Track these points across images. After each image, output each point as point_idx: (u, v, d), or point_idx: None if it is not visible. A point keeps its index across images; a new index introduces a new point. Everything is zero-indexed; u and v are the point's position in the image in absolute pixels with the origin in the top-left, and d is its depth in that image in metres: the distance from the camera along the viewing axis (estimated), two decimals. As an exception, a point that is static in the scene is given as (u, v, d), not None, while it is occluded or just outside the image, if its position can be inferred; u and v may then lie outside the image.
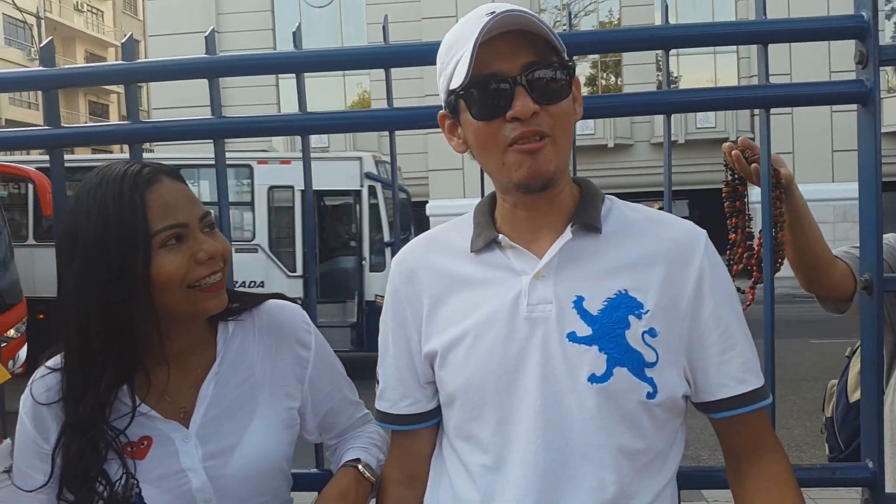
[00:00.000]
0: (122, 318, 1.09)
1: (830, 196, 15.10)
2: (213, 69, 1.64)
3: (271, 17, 21.24)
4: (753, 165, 1.57)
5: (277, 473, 1.24)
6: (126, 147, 1.68)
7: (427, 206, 19.00)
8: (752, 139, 1.64)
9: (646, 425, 1.06)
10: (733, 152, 1.61)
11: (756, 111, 1.58)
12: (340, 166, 9.38)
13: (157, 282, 1.09)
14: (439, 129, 1.19)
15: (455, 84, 1.05)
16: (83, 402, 1.11)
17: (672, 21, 1.56)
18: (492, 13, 1.00)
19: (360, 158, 9.46)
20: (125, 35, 1.71)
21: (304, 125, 1.66)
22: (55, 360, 1.19)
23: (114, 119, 38.67)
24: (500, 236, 1.11)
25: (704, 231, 1.13)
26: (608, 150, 19.31)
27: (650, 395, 1.04)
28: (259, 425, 1.20)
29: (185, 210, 1.13)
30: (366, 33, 20.28)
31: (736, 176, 1.63)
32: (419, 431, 1.21)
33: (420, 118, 1.61)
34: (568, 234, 1.08)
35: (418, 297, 1.17)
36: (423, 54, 1.53)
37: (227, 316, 1.25)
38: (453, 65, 1.05)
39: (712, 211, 1.63)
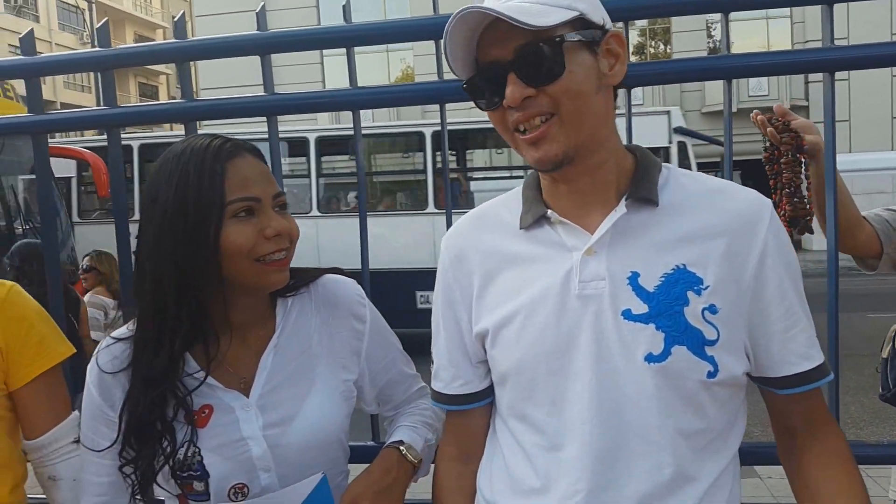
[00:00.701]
0: (192, 281, 1.13)
1: (889, 164, 14.53)
2: (265, 45, 1.66)
3: (315, -6, 21.29)
4: (769, 129, 1.65)
5: (335, 444, 1.26)
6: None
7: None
8: (807, 106, 1.68)
9: (706, 405, 1.02)
10: (758, 118, 1.68)
11: (812, 77, 1.55)
12: (645, 122, 8.13)
13: (225, 250, 1.13)
14: None
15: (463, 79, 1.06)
16: (158, 355, 1.14)
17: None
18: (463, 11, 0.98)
19: (667, 112, 8.58)
20: (173, 17, 1.74)
21: (355, 100, 1.66)
22: (120, 331, 1.23)
23: (163, 100, 39.51)
24: (550, 212, 1.08)
25: (770, 201, 1.07)
26: (657, 120, 18.94)
27: (711, 374, 1.00)
28: (317, 396, 1.23)
29: (261, 186, 1.16)
30: (409, 9, 20.18)
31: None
32: (473, 411, 1.20)
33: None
34: (622, 207, 1.03)
35: (468, 277, 1.14)
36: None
37: (286, 292, 1.27)
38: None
39: (766, 181, 1.65)
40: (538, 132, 0.99)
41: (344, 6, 1.64)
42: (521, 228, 1.10)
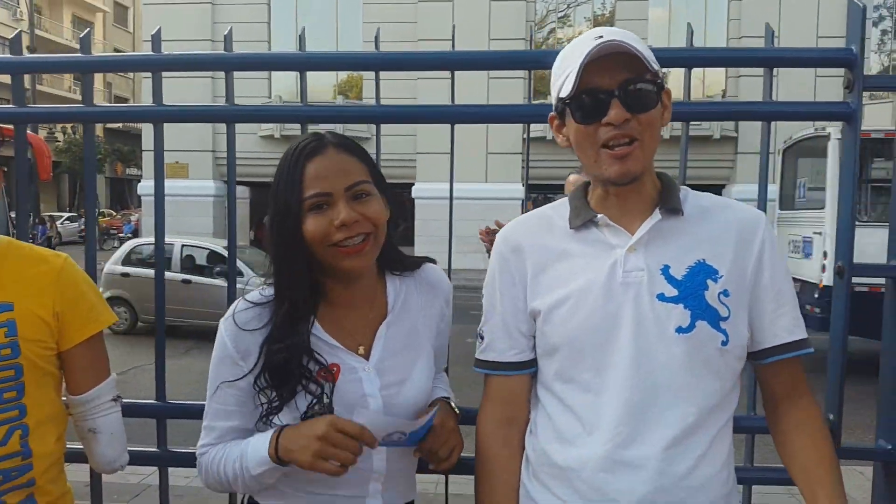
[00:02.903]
0: (293, 261, 1.35)
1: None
2: (226, 63, 1.90)
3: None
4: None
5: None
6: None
7: (413, 188, 19.04)
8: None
9: (721, 368, 1.29)
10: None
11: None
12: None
13: (307, 239, 1.33)
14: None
15: (564, 93, 1.27)
16: (289, 313, 1.36)
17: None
18: (600, 37, 1.22)
19: None
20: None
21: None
22: (254, 296, 1.43)
23: (98, 36, 38.69)
24: (599, 216, 1.33)
25: (763, 214, 1.38)
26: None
27: (724, 343, 1.27)
28: (422, 364, 1.46)
29: (332, 180, 1.34)
30: (361, 9, 20.15)
31: None
32: (520, 377, 1.44)
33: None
34: (657, 215, 1.31)
35: (524, 264, 1.39)
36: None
37: (394, 271, 1.51)
38: (563, 77, 1.28)
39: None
40: (627, 149, 1.25)
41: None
42: (570, 228, 1.36)
